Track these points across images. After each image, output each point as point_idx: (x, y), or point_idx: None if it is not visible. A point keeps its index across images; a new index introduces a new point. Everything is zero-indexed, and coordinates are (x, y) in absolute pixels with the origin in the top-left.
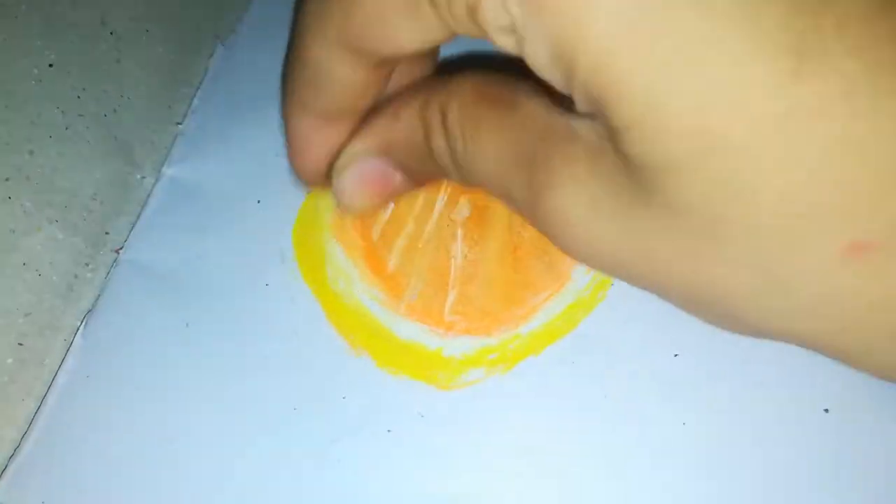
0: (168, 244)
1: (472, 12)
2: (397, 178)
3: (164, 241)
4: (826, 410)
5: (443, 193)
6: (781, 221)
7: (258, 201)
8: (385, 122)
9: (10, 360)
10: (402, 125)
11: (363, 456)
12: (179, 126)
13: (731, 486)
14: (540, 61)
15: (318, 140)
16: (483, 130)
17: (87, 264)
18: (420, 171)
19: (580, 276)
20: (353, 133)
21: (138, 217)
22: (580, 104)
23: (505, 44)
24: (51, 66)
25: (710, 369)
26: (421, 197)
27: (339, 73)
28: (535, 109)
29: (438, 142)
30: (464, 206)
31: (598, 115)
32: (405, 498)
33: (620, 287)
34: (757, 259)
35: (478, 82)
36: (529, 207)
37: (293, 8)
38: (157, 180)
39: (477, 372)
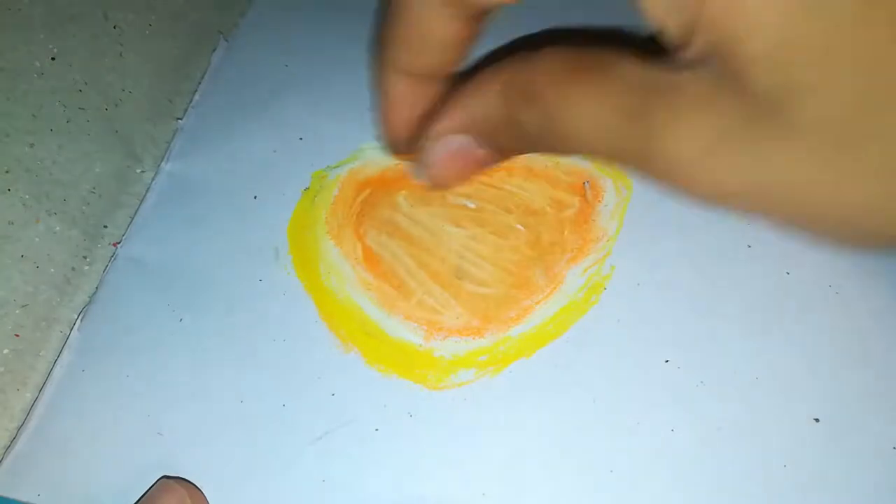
0: (165, 239)
1: None
2: (480, 154)
3: (161, 235)
4: (816, 420)
5: (438, 195)
6: None
7: (255, 197)
8: (468, 101)
9: (6, 351)
10: (484, 103)
11: (349, 454)
12: (180, 121)
13: (719, 493)
14: (658, 4)
15: (410, 100)
16: (575, 95)
17: (84, 257)
18: (505, 145)
19: (574, 280)
20: (441, 101)
21: (136, 211)
22: (696, 48)
23: None
24: (53, 59)
25: (700, 376)
26: (417, 197)
27: (437, 27)
28: (630, 67)
29: (525, 115)
30: (460, 208)
31: (713, 58)
32: (390, 497)
33: (613, 291)
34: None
35: (560, 54)
36: (642, 155)
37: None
38: (156, 174)
39: (467, 373)
